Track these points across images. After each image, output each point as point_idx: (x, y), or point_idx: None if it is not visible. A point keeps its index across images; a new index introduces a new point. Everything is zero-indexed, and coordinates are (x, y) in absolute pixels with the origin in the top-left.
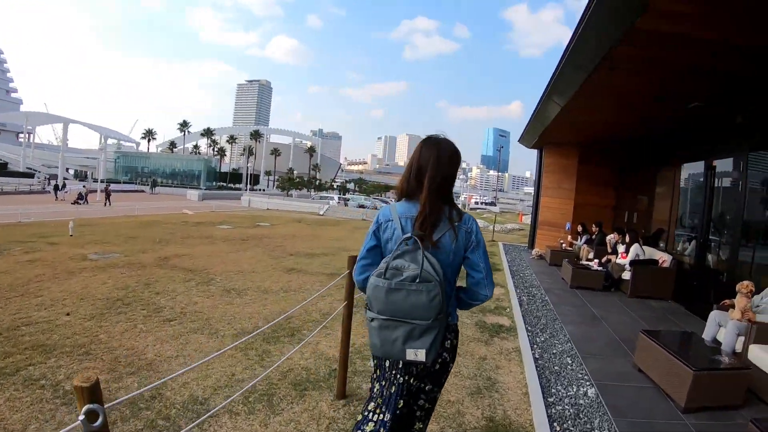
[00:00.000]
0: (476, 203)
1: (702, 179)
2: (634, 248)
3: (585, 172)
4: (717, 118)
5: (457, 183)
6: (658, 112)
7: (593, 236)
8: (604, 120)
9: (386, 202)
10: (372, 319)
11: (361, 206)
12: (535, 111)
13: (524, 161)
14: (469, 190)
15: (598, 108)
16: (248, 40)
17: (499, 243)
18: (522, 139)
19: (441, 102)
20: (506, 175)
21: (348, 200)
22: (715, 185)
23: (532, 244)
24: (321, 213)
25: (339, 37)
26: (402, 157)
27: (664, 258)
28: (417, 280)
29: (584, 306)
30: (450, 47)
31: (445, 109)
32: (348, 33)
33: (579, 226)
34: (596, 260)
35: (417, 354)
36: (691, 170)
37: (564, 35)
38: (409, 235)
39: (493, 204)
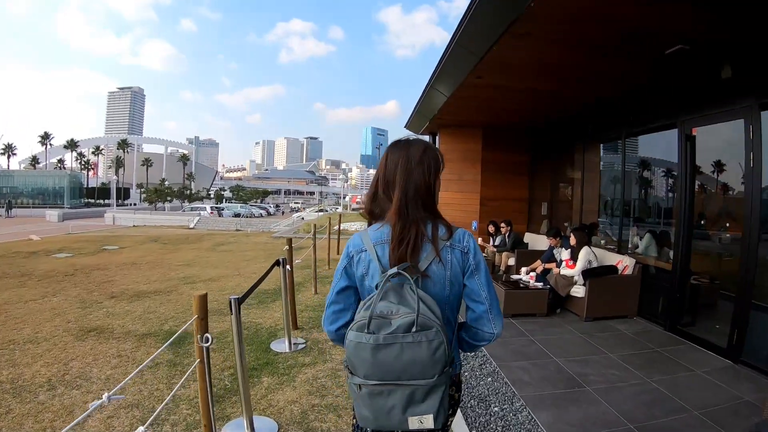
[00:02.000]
0: (359, 203)
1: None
2: (585, 253)
3: (492, 160)
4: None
5: (338, 184)
6: (579, 75)
7: (506, 236)
8: (518, 88)
9: (265, 209)
10: (359, 386)
11: (237, 215)
12: (430, 82)
13: None
14: (350, 190)
15: (511, 71)
16: (120, 47)
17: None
18: (411, 124)
19: (318, 104)
20: None
21: (222, 209)
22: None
23: None
24: (191, 226)
25: (214, 42)
26: (281, 160)
27: (623, 262)
28: (413, 329)
29: (541, 354)
30: (325, 49)
31: (322, 111)
32: (223, 37)
33: (490, 225)
34: (532, 273)
35: (423, 421)
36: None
37: (437, 36)
38: (394, 270)
39: None
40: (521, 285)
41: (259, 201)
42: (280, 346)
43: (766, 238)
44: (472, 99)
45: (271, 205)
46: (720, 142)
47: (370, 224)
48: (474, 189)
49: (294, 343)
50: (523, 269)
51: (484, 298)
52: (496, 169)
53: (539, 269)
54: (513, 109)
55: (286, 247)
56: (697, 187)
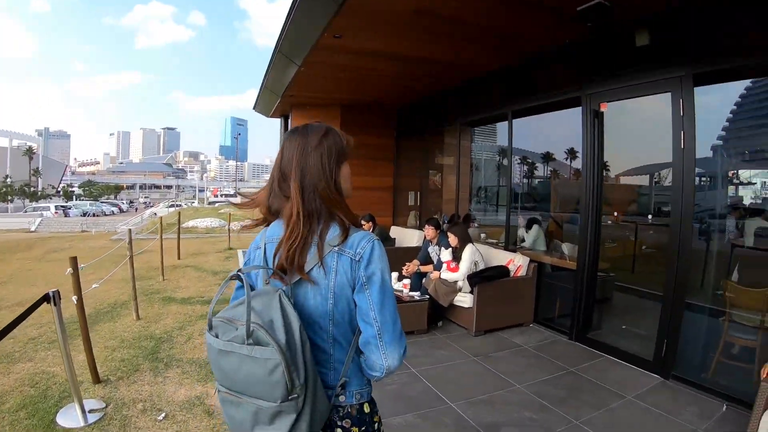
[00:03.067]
0: (216, 196)
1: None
2: (470, 252)
3: (354, 143)
4: None
5: (196, 176)
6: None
7: (372, 231)
8: (384, 52)
9: (117, 206)
10: (216, 390)
11: (84, 214)
12: (278, 46)
13: (266, 148)
14: (208, 183)
15: (377, 28)
16: None
17: (238, 252)
18: (259, 104)
19: (176, 92)
20: (245, 164)
21: (69, 209)
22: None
23: None
24: (32, 229)
25: (66, 23)
26: (137, 153)
27: (514, 261)
28: (247, 341)
29: (432, 397)
30: (185, 35)
31: (180, 100)
32: (77, 18)
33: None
34: (405, 280)
35: None
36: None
37: None
38: (234, 271)
39: (234, 195)
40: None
41: (113, 197)
42: (69, 416)
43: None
44: (328, 68)
45: (124, 202)
46: (631, 119)
47: (269, 223)
48: None
49: (89, 411)
50: (394, 275)
51: (373, 320)
52: (356, 153)
53: (410, 271)
54: (377, 82)
55: (69, 270)
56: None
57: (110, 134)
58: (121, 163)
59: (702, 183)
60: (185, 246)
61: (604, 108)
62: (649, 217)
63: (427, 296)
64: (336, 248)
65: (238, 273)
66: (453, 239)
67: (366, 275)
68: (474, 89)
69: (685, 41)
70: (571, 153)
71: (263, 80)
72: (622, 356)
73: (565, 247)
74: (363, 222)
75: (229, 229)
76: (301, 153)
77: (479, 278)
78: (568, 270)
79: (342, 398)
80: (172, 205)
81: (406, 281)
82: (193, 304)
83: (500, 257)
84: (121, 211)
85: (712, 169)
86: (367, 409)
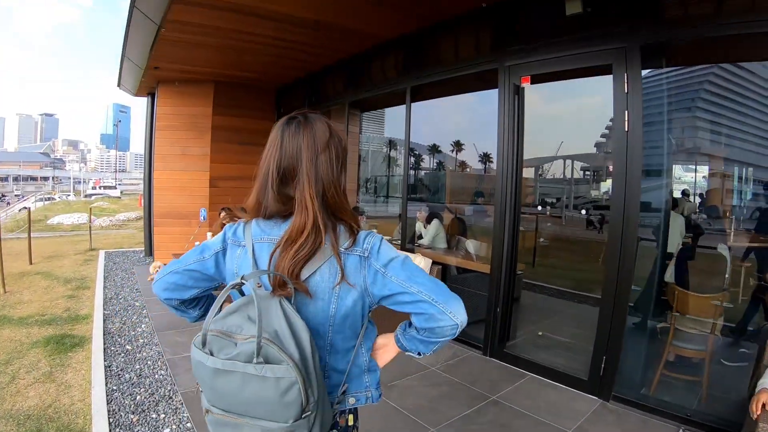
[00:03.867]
0: (96, 188)
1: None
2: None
3: (227, 126)
4: None
5: (76, 167)
6: None
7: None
8: (267, 13)
9: None
10: (206, 411)
11: None
12: (133, 2)
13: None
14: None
15: None
16: None
17: (100, 253)
18: (123, 79)
19: (58, 75)
20: (128, 153)
21: None
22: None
23: (151, 251)
24: None
25: None
26: (11, 142)
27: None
28: (256, 360)
29: None
30: (70, 15)
31: (62, 84)
32: None
33: (222, 212)
34: None
35: None
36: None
37: None
38: (238, 280)
39: (113, 187)
40: None
41: None
42: None
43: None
44: (197, 31)
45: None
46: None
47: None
48: (202, 166)
49: None
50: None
51: (419, 292)
52: (233, 138)
53: None
54: (255, 53)
55: None
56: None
57: None
58: None
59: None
60: (42, 247)
61: (526, 83)
62: (539, 208)
63: None
64: (346, 249)
65: (242, 281)
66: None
67: (381, 263)
68: (367, 62)
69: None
70: (457, 144)
71: (123, 48)
72: (550, 374)
73: (470, 245)
74: (221, 212)
75: (90, 227)
76: (312, 156)
77: None
78: (476, 272)
79: (314, 414)
80: (42, 199)
81: None
82: (30, 326)
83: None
84: None
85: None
86: (351, 421)
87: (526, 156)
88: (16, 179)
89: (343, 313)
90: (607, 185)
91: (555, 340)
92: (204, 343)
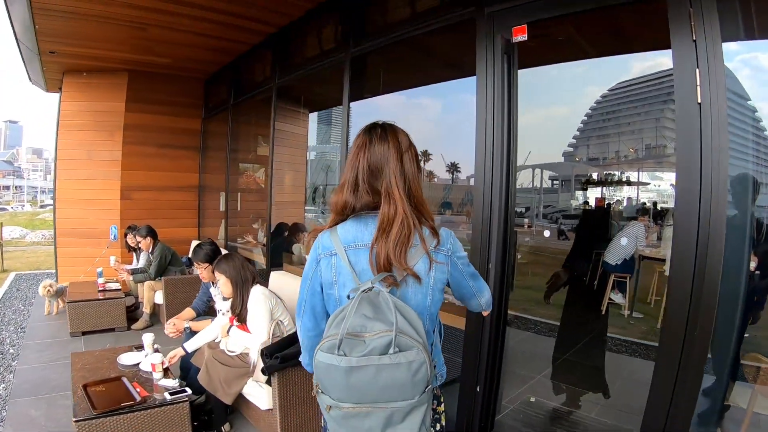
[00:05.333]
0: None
1: None
2: (259, 299)
3: (143, 125)
4: None
5: (39, 176)
6: None
7: (150, 254)
8: None
9: None
10: (329, 407)
11: None
12: None
13: None
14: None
15: None
16: None
17: (9, 276)
18: (30, 70)
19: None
20: None
21: None
22: None
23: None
24: None
25: None
26: None
27: None
28: (390, 350)
29: None
30: None
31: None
32: None
33: (128, 233)
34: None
35: None
36: None
37: None
38: (367, 284)
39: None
40: (139, 384)
41: None
42: None
43: None
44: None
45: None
46: None
47: (336, 221)
48: (112, 174)
49: None
50: (147, 340)
51: (476, 289)
52: (150, 140)
53: (177, 331)
54: (174, 29)
55: None
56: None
57: None
58: None
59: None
60: None
61: (521, 35)
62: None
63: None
64: (435, 246)
65: (372, 285)
66: (224, 282)
67: (461, 262)
68: (298, 34)
69: None
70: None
71: (12, 29)
72: None
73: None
74: (139, 238)
75: (1, 245)
76: (397, 155)
77: (279, 356)
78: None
79: (432, 386)
80: None
81: (166, 358)
82: None
83: None
84: None
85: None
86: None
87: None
88: None
89: (435, 301)
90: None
91: (552, 408)
92: (337, 349)
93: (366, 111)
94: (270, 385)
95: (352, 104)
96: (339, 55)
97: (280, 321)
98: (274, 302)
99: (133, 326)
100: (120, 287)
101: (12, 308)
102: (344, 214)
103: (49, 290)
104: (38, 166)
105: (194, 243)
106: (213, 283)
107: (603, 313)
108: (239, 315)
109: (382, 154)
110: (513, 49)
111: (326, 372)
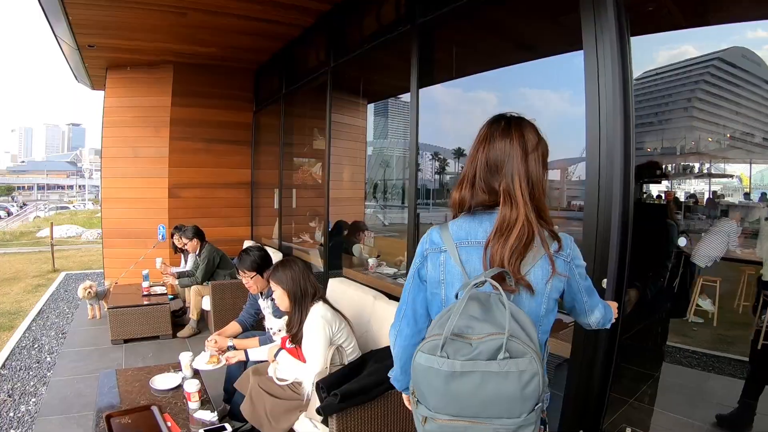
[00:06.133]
0: None
1: None
2: (318, 321)
3: (191, 120)
4: None
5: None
6: None
7: (198, 257)
8: None
9: (6, 209)
10: (425, 419)
11: None
12: None
13: None
14: None
15: None
16: None
17: (60, 275)
18: (74, 68)
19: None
20: None
21: None
22: None
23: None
24: None
25: None
26: (38, 152)
27: None
28: (500, 355)
29: None
30: None
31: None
32: None
33: (174, 234)
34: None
35: None
36: None
37: None
38: (481, 278)
39: None
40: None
41: (10, 198)
42: None
43: None
44: None
45: (17, 203)
46: None
47: (455, 216)
48: (158, 171)
49: None
50: (184, 360)
51: (592, 305)
52: (198, 135)
53: (219, 348)
54: (223, 16)
55: None
56: None
57: (11, 130)
58: (23, 161)
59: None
60: (4, 266)
61: None
62: None
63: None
64: (556, 251)
65: (485, 279)
66: (280, 295)
67: (579, 270)
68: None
69: None
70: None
71: (50, 27)
72: None
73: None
74: (185, 240)
75: (52, 244)
76: (522, 155)
77: (339, 392)
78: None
79: (542, 405)
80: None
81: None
82: None
83: None
84: (9, 214)
85: None
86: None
87: (551, 158)
88: (42, 188)
89: (549, 310)
90: None
91: None
92: (439, 350)
93: (430, 101)
94: (327, 426)
95: (421, 91)
96: (403, 28)
97: (341, 347)
98: (337, 327)
99: (179, 333)
100: (166, 291)
101: (57, 311)
102: (460, 208)
103: (89, 292)
104: (99, 166)
105: (246, 243)
106: (262, 293)
107: (688, 320)
108: (294, 335)
109: (502, 151)
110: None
111: (425, 376)
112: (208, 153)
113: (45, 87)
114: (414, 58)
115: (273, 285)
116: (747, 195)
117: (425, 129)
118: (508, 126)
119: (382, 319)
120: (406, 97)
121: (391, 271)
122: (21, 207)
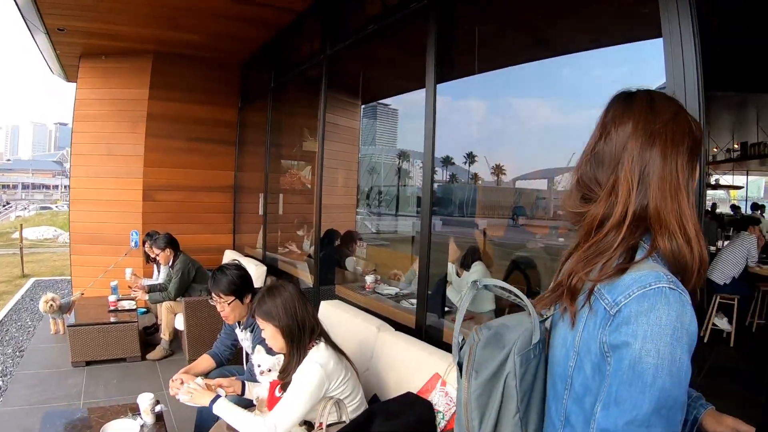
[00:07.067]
0: None
1: None
2: (311, 368)
3: (170, 116)
4: None
5: None
6: None
7: (171, 265)
8: None
9: None
10: None
11: None
12: None
13: None
14: None
15: None
16: None
17: (27, 282)
18: (46, 57)
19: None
20: None
21: None
22: None
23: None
24: None
25: None
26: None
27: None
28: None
29: None
30: None
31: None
32: None
33: (146, 241)
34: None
35: None
36: None
37: None
38: (472, 291)
39: None
40: None
41: None
42: None
43: None
44: None
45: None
46: None
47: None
48: (133, 171)
49: None
50: (144, 403)
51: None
52: (177, 132)
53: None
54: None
55: None
56: None
57: None
58: (8, 160)
59: None
60: None
61: None
62: None
63: None
64: (597, 285)
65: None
66: (272, 334)
67: (613, 341)
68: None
69: None
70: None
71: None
72: None
73: None
74: (156, 250)
75: (21, 248)
76: (645, 139)
77: None
78: None
79: None
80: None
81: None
82: None
83: (407, 357)
84: None
85: None
86: None
87: (535, 167)
88: (27, 187)
89: (583, 375)
90: None
91: None
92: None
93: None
94: None
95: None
96: (418, 4)
97: (341, 402)
98: (338, 381)
99: (149, 355)
100: (136, 305)
101: (18, 323)
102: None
103: (51, 306)
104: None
105: (227, 253)
106: (240, 323)
107: (705, 341)
108: (287, 381)
109: (623, 140)
110: None
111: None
112: (188, 152)
113: (33, 85)
114: (431, 44)
115: (262, 322)
116: (734, 207)
117: (417, 136)
118: (629, 102)
119: (388, 355)
120: (396, 102)
121: (393, 290)
122: (4, 206)
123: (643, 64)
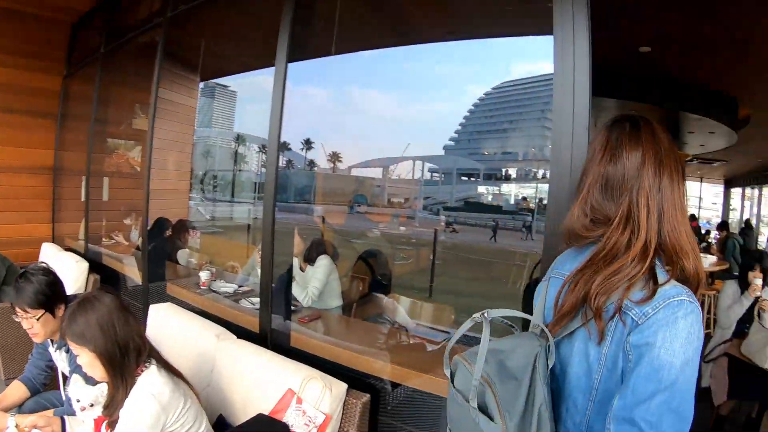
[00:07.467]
0: None
1: None
2: (142, 398)
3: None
4: None
5: None
6: None
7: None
8: None
9: None
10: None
11: None
12: None
13: None
14: None
15: None
16: None
17: None
18: None
19: None
20: None
21: None
22: None
23: None
24: None
25: None
26: None
27: (314, 395)
28: (473, 400)
29: None
30: None
31: None
32: None
33: None
34: None
35: None
36: None
37: None
38: (477, 317)
39: None
40: None
41: None
42: None
43: None
44: None
45: None
46: None
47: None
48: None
49: None
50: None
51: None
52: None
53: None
54: None
55: None
56: None
57: None
58: None
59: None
60: None
61: None
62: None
63: None
64: (638, 300)
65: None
66: (89, 362)
67: (636, 342)
68: None
69: None
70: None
71: None
72: None
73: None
74: None
75: None
76: (657, 167)
77: None
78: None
79: None
80: None
81: None
82: None
83: (253, 370)
84: None
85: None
86: None
87: (371, 156)
88: None
89: (609, 387)
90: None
91: None
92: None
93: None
94: None
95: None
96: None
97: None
98: (178, 413)
99: None
100: None
101: None
102: (569, 238)
103: None
104: None
105: (45, 247)
106: (53, 341)
107: None
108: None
109: (631, 164)
110: None
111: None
112: (8, 127)
113: None
114: (287, 16)
115: (75, 347)
116: (722, 224)
117: (255, 119)
118: (633, 129)
119: (232, 369)
120: (235, 84)
121: (230, 288)
122: None
123: (492, 62)
